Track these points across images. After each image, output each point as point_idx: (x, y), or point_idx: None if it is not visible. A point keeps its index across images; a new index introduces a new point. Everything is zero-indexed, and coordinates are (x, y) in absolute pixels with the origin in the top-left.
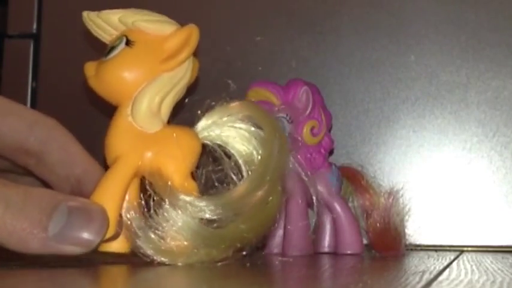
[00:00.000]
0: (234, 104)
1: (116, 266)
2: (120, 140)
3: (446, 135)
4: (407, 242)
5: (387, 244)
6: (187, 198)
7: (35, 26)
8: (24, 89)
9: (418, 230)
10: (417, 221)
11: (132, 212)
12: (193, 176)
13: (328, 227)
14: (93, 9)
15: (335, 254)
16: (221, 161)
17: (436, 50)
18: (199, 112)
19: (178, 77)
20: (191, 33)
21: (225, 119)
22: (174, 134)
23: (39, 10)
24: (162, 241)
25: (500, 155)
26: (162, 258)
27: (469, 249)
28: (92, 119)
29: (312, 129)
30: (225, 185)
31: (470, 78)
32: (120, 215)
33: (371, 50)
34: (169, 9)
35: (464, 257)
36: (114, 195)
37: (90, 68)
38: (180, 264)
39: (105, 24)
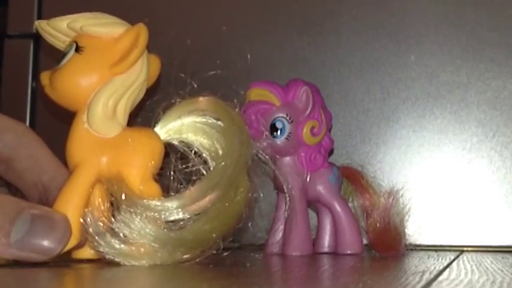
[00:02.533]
0: (192, 100)
1: (89, 265)
2: (78, 147)
3: (446, 135)
4: (407, 242)
5: (387, 244)
6: (144, 203)
7: (35, 26)
8: (24, 89)
9: (418, 230)
10: (417, 221)
11: (90, 218)
12: (158, 176)
13: (328, 227)
14: (91, 10)
15: (335, 254)
16: (188, 158)
17: (436, 50)
18: (160, 112)
19: (131, 78)
20: (139, 34)
21: (184, 115)
22: (129, 139)
23: (39, 10)
24: (122, 245)
25: (500, 155)
26: (124, 261)
27: (469, 249)
28: None
29: (312, 129)
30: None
31: (470, 78)
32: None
33: (371, 50)
34: (169, 9)
35: (464, 257)
36: (76, 204)
37: (44, 77)
38: (146, 265)
39: (56, 31)
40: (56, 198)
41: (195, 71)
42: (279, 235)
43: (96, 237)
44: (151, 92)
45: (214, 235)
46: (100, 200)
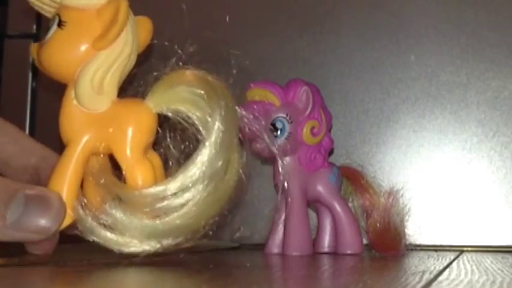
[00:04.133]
0: (180, 73)
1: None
2: (69, 124)
3: (446, 135)
4: (407, 242)
5: (387, 244)
6: (130, 195)
7: (35, 26)
8: (24, 89)
9: (418, 230)
10: (417, 221)
11: (80, 211)
12: (155, 149)
13: (328, 227)
14: None
15: (335, 254)
16: (181, 129)
17: (436, 50)
18: (149, 84)
19: (116, 52)
20: (118, 9)
21: (172, 87)
22: (117, 114)
23: None
24: (110, 234)
25: (500, 155)
26: (113, 248)
27: (469, 249)
28: None
29: (312, 129)
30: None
31: (470, 78)
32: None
33: (371, 50)
34: (168, 8)
35: (464, 257)
36: (70, 181)
37: (34, 50)
38: (134, 251)
39: (40, 2)
40: (49, 176)
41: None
42: (279, 235)
43: (86, 230)
44: (147, 55)
45: (203, 220)
46: (90, 189)
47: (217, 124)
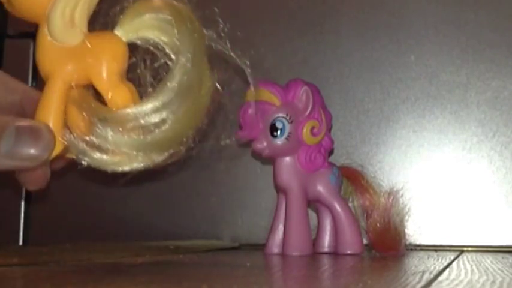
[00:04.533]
0: (145, 0)
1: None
2: (46, 59)
3: (446, 135)
4: (407, 242)
5: (387, 244)
6: (114, 115)
7: (35, 26)
8: None
9: (418, 230)
10: (417, 221)
11: (70, 137)
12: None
13: (328, 227)
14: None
15: (335, 254)
16: (153, 56)
17: (436, 50)
18: (116, 14)
19: None
20: None
21: (140, 15)
22: (89, 45)
23: None
24: (100, 154)
25: (500, 155)
26: (106, 168)
27: (469, 249)
28: None
29: (312, 129)
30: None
31: (470, 78)
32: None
33: (371, 50)
34: None
35: (464, 257)
36: (55, 112)
37: None
38: (126, 169)
39: None
40: (35, 109)
41: None
42: (279, 235)
43: (78, 155)
44: None
45: (185, 132)
46: (74, 119)
47: (186, 46)
